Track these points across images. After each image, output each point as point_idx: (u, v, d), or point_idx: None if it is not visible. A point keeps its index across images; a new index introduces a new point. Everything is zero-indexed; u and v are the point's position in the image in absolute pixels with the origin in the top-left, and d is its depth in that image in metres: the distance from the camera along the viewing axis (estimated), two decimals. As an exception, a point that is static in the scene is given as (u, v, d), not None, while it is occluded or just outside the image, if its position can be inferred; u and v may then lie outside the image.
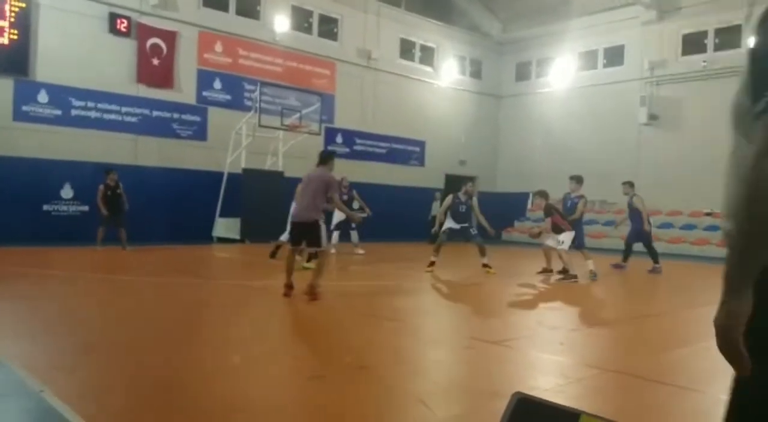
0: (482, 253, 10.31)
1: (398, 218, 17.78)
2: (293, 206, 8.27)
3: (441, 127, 21.16)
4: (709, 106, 17.69)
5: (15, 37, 13.12)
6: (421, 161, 20.92)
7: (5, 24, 12.99)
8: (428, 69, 21.30)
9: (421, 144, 20.80)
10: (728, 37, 17.63)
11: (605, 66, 20.64)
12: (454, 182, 21.35)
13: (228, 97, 16.25)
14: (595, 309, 7.76)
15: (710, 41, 18.14)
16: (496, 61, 23.42)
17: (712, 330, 1.20)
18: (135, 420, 3.12)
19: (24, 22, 13.21)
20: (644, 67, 19.05)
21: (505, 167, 23.24)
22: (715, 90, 17.66)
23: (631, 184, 12.06)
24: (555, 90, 21.48)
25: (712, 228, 16.95)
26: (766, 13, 1.25)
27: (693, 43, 18.44)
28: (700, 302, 7.79)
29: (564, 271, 9.88)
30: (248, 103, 15.89)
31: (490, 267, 10.28)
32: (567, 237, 9.99)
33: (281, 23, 16.94)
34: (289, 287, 6.81)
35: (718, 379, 4.38)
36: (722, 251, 1.22)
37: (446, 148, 21.37)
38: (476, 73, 23.12)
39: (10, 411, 3.13)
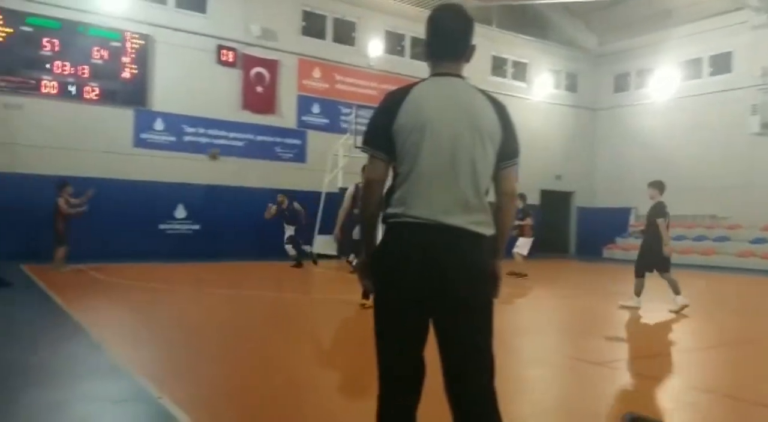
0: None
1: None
2: None
3: (535, 142, 20.77)
4: (832, 112, 16.39)
5: (135, 71, 14.38)
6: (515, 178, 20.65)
7: (127, 60, 14.27)
8: (521, 84, 21.10)
9: (515, 160, 20.54)
10: None
11: (711, 74, 19.59)
12: (550, 198, 20.94)
13: (325, 120, 16.90)
14: (706, 330, 7.37)
15: (831, 43, 16.83)
16: (592, 73, 22.82)
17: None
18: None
19: (142, 58, 14.45)
20: (755, 73, 17.90)
21: (603, 181, 22.49)
22: (838, 95, 16.35)
23: None
24: (655, 101, 20.62)
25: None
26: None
27: (811, 46, 17.17)
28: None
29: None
30: (344, 125, 16.43)
31: None
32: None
33: (375, 48, 17.43)
34: None
35: None
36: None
37: (541, 163, 20.97)
38: (572, 87, 22.64)
39: (132, 417, 3.40)
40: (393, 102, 2.20)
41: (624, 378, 4.76)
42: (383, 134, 2.17)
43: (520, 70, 21.26)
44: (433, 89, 2.23)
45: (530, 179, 20.76)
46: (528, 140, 20.26)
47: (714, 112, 18.78)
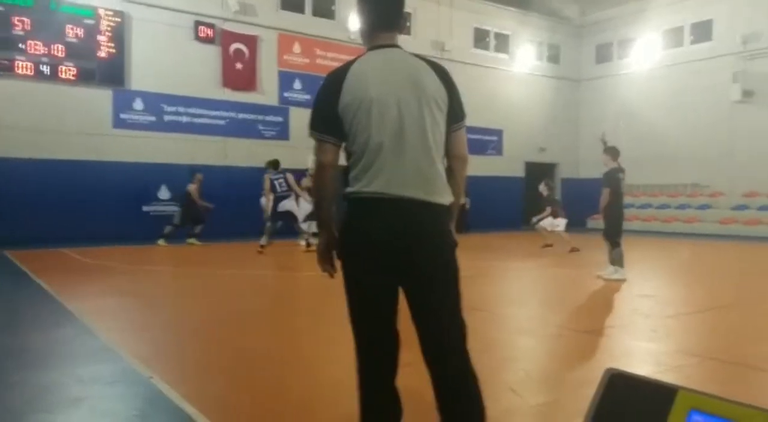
0: None
1: (480, 209, 17.67)
2: None
3: (518, 114, 20.86)
4: (811, 79, 16.55)
5: (112, 50, 14.08)
6: (499, 151, 20.71)
7: (103, 38, 13.96)
8: (503, 56, 21.02)
9: (499, 133, 20.58)
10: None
11: (692, 43, 19.65)
12: (534, 170, 21.04)
13: (307, 96, 16.69)
14: (691, 295, 7.50)
15: (811, 9, 16.92)
16: (574, 44, 22.79)
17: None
18: (234, 401, 3.37)
19: (119, 36, 14.14)
20: (736, 41, 17.99)
21: (587, 152, 22.56)
22: (817, 61, 16.50)
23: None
24: (638, 71, 20.68)
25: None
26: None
27: (791, 12, 17.24)
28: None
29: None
30: (327, 101, 16.27)
31: None
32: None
33: (356, 21, 17.18)
34: None
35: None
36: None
37: (525, 136, 21.05)
38: (554, 58, 22.61)
39: (125, 397, 3.44)
40: (334, 82, 2.16)
41: (610, 344, 4.85)
42: (329, 117, 2.15)
43: (503, 42, 21.16)
44: (373, 62, 2.19)
45: (514, 151, 20.86)
46: (511, 113, 20.54)
47: (695, 80, 18.89)
